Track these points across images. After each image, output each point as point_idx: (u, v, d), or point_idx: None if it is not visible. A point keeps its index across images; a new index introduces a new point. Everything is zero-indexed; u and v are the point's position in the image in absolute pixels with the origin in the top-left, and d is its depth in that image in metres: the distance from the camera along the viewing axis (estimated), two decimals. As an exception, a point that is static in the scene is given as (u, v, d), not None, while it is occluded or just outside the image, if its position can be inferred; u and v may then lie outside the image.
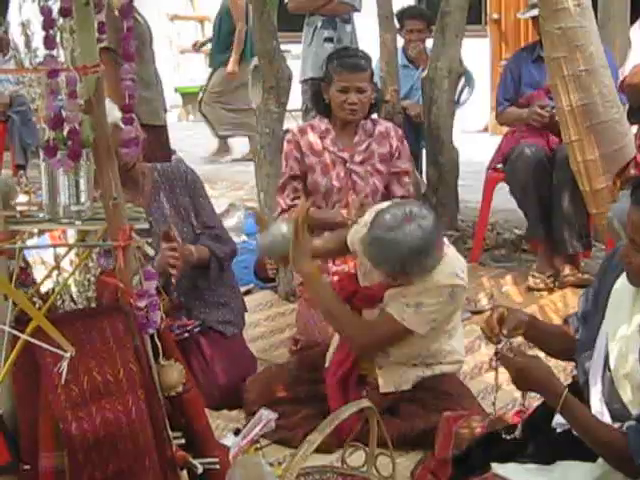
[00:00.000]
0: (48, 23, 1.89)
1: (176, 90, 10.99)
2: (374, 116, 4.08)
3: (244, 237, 5.24)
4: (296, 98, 5.85)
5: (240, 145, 8.85)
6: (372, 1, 5.63)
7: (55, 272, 2.19)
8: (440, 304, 2.95)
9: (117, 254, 1.99)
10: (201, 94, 8.55)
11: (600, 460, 2.11)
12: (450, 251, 3.03)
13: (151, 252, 2.07)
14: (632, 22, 5.88)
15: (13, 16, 7.10)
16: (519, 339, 2.38)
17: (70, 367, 1.88)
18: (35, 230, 2.13)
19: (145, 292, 2.02)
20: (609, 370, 2.15)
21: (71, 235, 2.51)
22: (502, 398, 3.26)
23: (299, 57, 6.24)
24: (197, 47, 10.32)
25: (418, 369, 3.08)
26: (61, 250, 2.29)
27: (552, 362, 2.56)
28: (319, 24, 6.00)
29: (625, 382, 2.10)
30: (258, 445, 2.90)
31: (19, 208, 2.08)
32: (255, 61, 4.93)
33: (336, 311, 3.07)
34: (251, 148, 8.63)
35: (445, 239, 3.46)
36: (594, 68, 4.17)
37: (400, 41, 5.88)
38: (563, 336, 2.41)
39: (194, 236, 3.43)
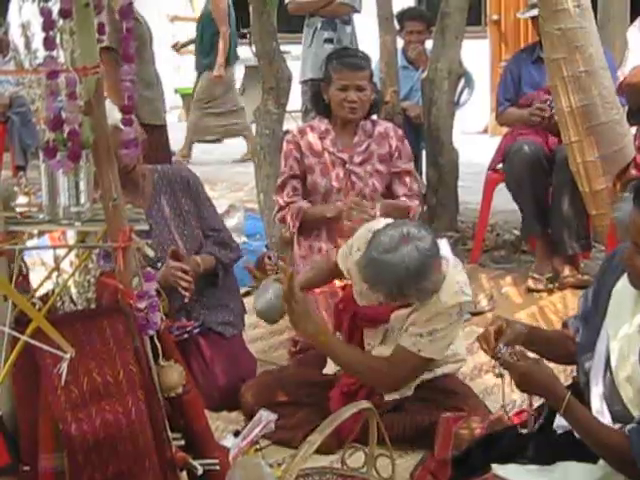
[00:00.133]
0: (48, 24, 1.89)
1: (176, 91, 11.00)
2: (374, 117, 4.08)
3: (244, 238, 5.24)
4: (296, 99, 5.86)
5: (239, 146, 8.86)
6: (372, 2, 5.64)
7: (55, 273, 2.19)
8: (451, 325, 2.91)
9: (117, 255, 1.99)
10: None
11: (601, 462, 2.11)
12: (450, 267, 2.96)
13: (151, 253, 2.07)
14: (631, 23, 5.88)
15: (13, 17, 7.09)
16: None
17: (70, 368, 1.88)
18: (35, 231, 2.13)
19: (145, 293, 2.02)
20: (610, 371, 2.15)
21: (71, 236, 2.51)
22: (501, 399, 3.26)
23: (299, 58, 6.25)
24: (178, 48, 10.32)
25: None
26: (61, 251, 2.29)
27: (552, 364, 2.55)
28: (319, 25, 6.01)
29: (626, 383, 2.10)
30: (258, 446, 2.90)
31: (19, 209, 2.08)
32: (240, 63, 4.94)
33: (353, 361, 2.99)
34: (249, 148, 8.67)
35: (445, 242, 3.45)
36: (594, 69, 4.17)
37: (400, 42, 5.88)
38: (563, 341, 2.40)
39: (194, 238, 3.43)
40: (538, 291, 4.54)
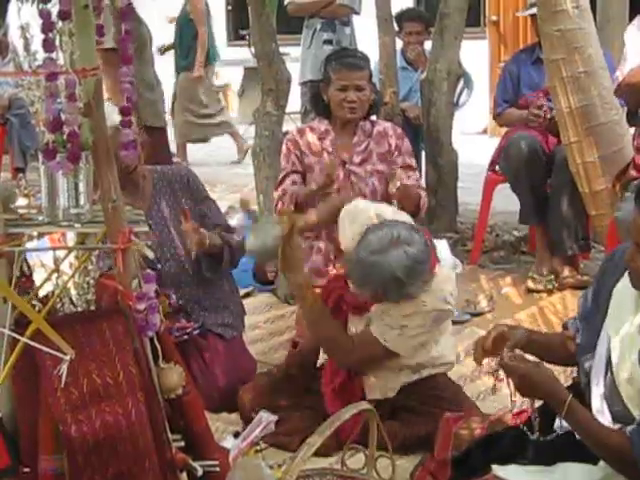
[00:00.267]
0: (47, 26, 1.89)
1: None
2: (373, 117, 4.07)
3: (243, 239, 5.24)
4: (295, 101, 5.86)
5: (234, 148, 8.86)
6: (371, 3, 5.64)
7: (55, 275, 2.19)
8: (424, 328, 2.90)
9: (116, 257, 1.99)
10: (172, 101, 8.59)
11: (601, 463, 2.11)
12: (442, 272, 2.96)
13: (151, 255, 2.07)
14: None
15: (12, 19, 7.10)
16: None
17: (70, 370, 1.88)
18: (35, 233, 2.13)
19: (144, 295, 2.02)
20: (611, 371, 2.15)
21: (70, 238, 2.51)
22: (500, 400, 3.26)
23: (298, 59, 6.24)
24: (162, 51, 10.32)
25: (404, 375, 3.03)
26: (60, 253, 2.29)
27: (552, 365, 2.55)
28: (318, 27, 6.01)
29: (627, 384, 2.10)
30: (258, 447, 2.90)
31: (19, 211, 2.08)
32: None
33: (322, 325, 3.00)
34: (237, 145, 8.67)
35: (445, 243, 3.45)
36: (593, 70, 4.17)
37: (399, 43, 5.88)
38: (563, 343, 2.40)
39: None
40: (538, 292, 4.54)
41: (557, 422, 2.24)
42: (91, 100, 1.93)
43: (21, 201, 2.24)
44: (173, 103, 8.55)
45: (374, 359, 2.97)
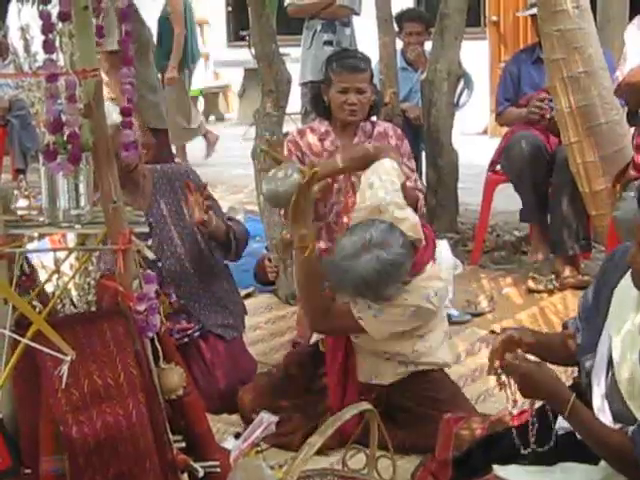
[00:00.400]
0: (47, 27, 1.89)
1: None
2: (373, 118, 4.07)
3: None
4: (295, 101, 5.86)
5: (239, 148, 8.85)
6: (371, 4, 5.64)
7: (55, 276, 2.19)
8: (400, 319, 2.90)
9: (117, 258, 1.99)
10: None
11: (602, 463, 2.11)
12: (433, 269, 2.96)
13: (151, 255, 2.07)
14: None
15: (12, 20, 7.10)
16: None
17: (70, 371, 1.88)
18: (35, 234, 2.13)
19: (145, 295, 2.02)
20: (612, 371, 2.15)
21: (71, 239, 2.51)
22: (502, 401, 3.26)
23: (298, 60, 6.24)
24: None
25: (392, 364, 3.03)
26: (61, 254, 2.29)
27: (553, 366, 2.55)
28: (319, 27, 6.01)
29: (628, 383, 2.10)
30: (259, 448, 2.90)
31: (19, 212, 2.08)
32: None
33: (308, 284, 3.01)
34: (209, 148, 8.66)
35: (445, 243, 3.44)
36: (593, 70, 4.18)
37: (399, 44, 5.88)
38: (564, 343, 2.40)
39: (193, 237, 3.43)
40: (538, 292, 4.55)
41: (558, 424, 2.23)
42: (91, 101, 1.93)
43: (22, 202, 2.24)
44: None
45: (346, 331, 3.02)
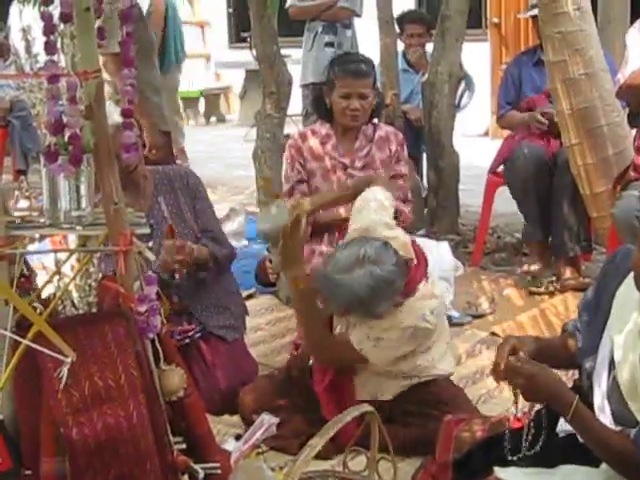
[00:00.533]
0: (49, 28, 1.89)
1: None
2: (375, 121, 4.07)
3: (245, 242, 5.24)
4: (296, 103, 5.86)
5: (240, 150, 8.85)
6: (372, 5, 5.64)
7: (56, 277, 2.19)
8: (400, 343, 2.90)
9: (118, 259, 1.99)
10: None
11: (603, 465, 2.11)
12: (426, 288, 2.94)
13: (152, 257, 2.07)
14: (631, 25, 5.88)
15: (14, 22, 7.11)
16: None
17: (71, 372, 1.88)
18: (36, 235, 2.13)
19: (146, 297, 2.02)
20: (613, 373, 2.14)
21: (72, 240, 2.51)
22: (502, 402, 3.27)
23: (299, 62, 6.25)
24: None
25: (393, 381, 3.03)
26: (62, 255, 2.29)
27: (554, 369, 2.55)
28: (320, 29, 6.01)
29: (628, 385, 2.10)
30: (259, 450, 2.90)
31: (20, 213, 2.08)
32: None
33: (306, 319, 3.04)
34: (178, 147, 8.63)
35: (446, 245, 3.44)
36: (594, 72, 4.18)
37: (400, 45, 5.88)
38: (564, 345, 2.40)
39: (194, 240, 3.43)
40: (539, 294, 4.55)
41: (559, 426, 2.23)
42: (92, 102, 1.93)
43: (22, 203, 2.24)
44: None
45: (350, 362, 3.00)
